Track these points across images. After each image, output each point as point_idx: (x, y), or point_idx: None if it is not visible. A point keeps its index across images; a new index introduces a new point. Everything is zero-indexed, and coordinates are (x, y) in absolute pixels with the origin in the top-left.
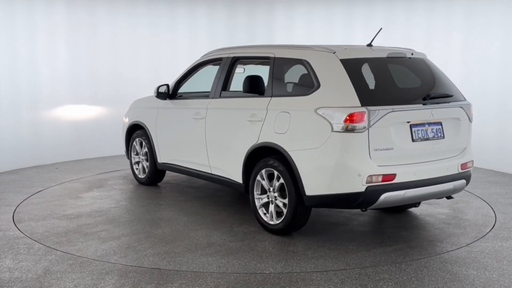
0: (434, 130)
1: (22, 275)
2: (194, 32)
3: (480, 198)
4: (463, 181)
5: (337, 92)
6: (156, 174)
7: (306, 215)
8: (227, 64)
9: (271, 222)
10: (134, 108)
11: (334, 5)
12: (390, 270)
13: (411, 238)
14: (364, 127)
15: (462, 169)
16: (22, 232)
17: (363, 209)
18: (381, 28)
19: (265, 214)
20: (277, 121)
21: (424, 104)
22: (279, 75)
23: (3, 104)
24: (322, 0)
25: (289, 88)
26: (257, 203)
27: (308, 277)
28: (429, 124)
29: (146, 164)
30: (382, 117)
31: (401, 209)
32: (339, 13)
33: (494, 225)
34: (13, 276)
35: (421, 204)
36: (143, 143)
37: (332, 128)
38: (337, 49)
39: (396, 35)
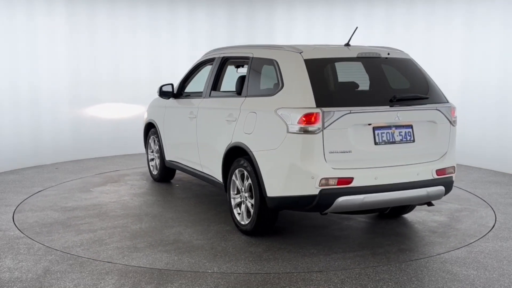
0: (403, 134)
1: (22, 275)
2: (194, 32)
3: (480, 198)
4: (441, 187)
5: (296, 93)
6: (165, 171)
7: (272, 217)
8: (218, 64)
9: (242, 222)
10: (150, 107)
11: (334, 5)
12: (390, 270)
13: (407, 239)
14: (318, 129)
15: (438, 175)
16: (22, 232)
17: (322, 213)
18: (356, 27)
19: (239, 214)
20: (246, 121)
21: (391, 106)
22: (255, 75)
23: (3, 104)
24: (322, 0)
25: (262, 88)
26: (233, 203)
27: (308, 277)
28: (397, 127)
29: (158, 161)
30: (338, 118)
31: (393, 215)
32: (339, 13)
33: (494, 225)
34: (13, 276)
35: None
36: (155, 141)
37: (287, 129)
38: (305, 49)
39: (396, 36)
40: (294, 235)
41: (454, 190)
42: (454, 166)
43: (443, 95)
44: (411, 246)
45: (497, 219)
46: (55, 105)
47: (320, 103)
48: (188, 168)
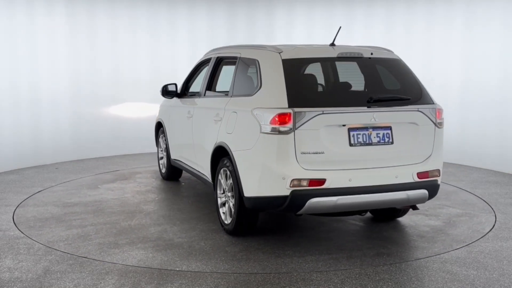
0: (380, 135)
1: (22, 275)
2: (194, 32)
3: (480, 198)
4: (423, 191)
5: (271, 93)
6: (172, 169)
7: (252, 217)
8: (213, 64)
9: (226, 222)
10: (160, 106)
11: (334, 5)
12: (390, 270)
13: (390, 244)
14: (290, 129)
15: (420, 178)
16: (22, 232)
17: (296, 214)
18: (340, 27)
19: (223, 213)
20: (228, 121)
21: (368, 107)
22: (240, 75)
23: (3, 104)
24: (322, 0)
25: (245, 88)
26: (219, 202)
27: (308, 277)
28: (374, 128)
29: (166, 160)
30: (310, 119)
31: (387, 218)
32: (339, 13)
33: (494, 225)
34: (13, 276)
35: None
36: (164, 140)
37: (260, 129)
38: (286, 49)
39: (396, 36)
40: (275, 235)
41: (458, 193)
42: (439, 169)
43: (429, 96)
44: (391, 250)
45: (497, 219)
46: (55, 105)
47: (292, 103)
48: (188, 167)
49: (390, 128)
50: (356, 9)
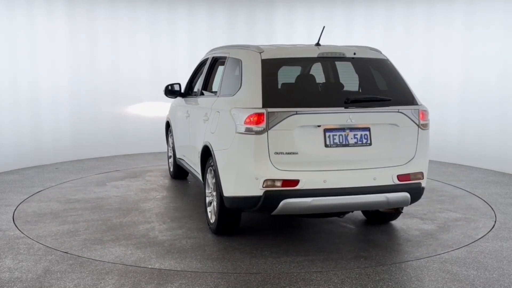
0: (358, 136)
1: (22, 275)
2: (194, 33)
3: (480, 198)
4: (404, 194)
5: (248, 93)
6: (178, 168)
7: (233, 217)
8: (209, 64)
9: (211, 221)
10: (170, 106)
11: (334, 5)
12: (390, 270)
13: (373, 247)
14: (263, 129)
15: (400, 181)
16: (22, 232)
17: (272, 215)
18: (324, 27)
19: (210, 212)
20: (213, 121)
21: (346, 108)
22: (227, 75)
23: (3, 104)
24: (322, 0)
25: (230, 87)
26: (207, 201)
27: (308, 277)
28: (351, 129)
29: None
30: (284, 119)
31: (379, 221)
32: (339, 13)
33: (494, 225)
34: (13, 276)
35: (418, 216)
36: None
37: (236, 129)
38: (268, 49)
39: (396, 36)
40: (258, 236)
41: (464, 197)
42: (422, 172)
43: (413, 97)
44: (371, 254)
45: (497, 219)
46: (55, 105)
47: (267, 103)
48: (188, 166)
49: (368, 129)
50: (356, 9)
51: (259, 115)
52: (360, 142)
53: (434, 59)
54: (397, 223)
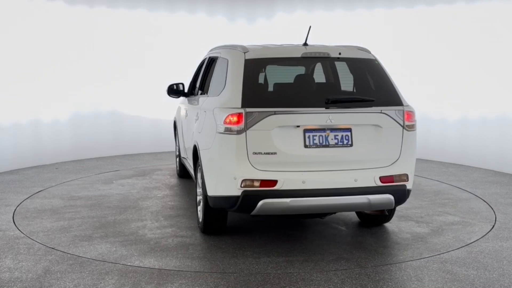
0: (339, 137)
1: (22, 275)
2: (194, 32)
3: (480, 198)
4: (387, 196)
5: (230, 93)
6: (182, 167)
7: (217, 216)
8: (205, 64)
9: (200, 220)
10: (178, 106)
11: (334, 5)
12: (390, 270)
13: (356, 249)
14: (241, 129)
15: (383, 183)
16: (22, 232)
17: (251, 215)
18: (310, 26)
19: (199, 211)
20: (199, 121)
21: (327, 108)
22: (216, 75)
23: (3, 104)
24: (323, 0)
25: (217, 87)
26: (197, 200)
27: (308, 277)
28: (332, 130)
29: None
30: (262, 119)
31: (372, 224)
32: (339, 13)
33: (494, 225)
34: (13, 276)
35: (413, 219)
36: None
37: (217, 129)
38: (253, 49)
39: (396, 35)
40: (245, 235)
41: (469, 201)
42: (406, 174)
43: (399, 97)
44: (353, 256)
45: (497, 219)
46: (55, 105)
47: (246, 103)
48: (187, 165)
49: (350, 130)
50: (356, 8)
51: (237, 115)
52: (341, 143)
53: (434, 59)
54: (390, 225)
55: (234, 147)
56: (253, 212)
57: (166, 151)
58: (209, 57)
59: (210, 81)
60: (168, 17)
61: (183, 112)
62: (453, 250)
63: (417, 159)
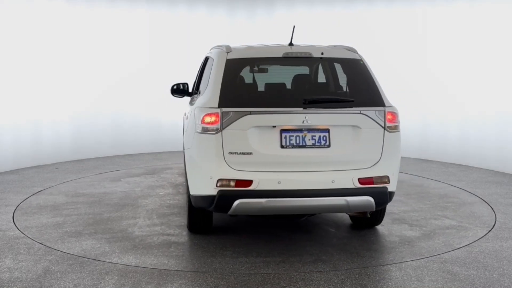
0: (316, 138)
1: (22, 275)
2: (194, 32)
3: (480, 198)
4: (366, 198)
5: (210, 92)
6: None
7: (201, 215)
8: (203, 64)
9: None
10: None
11: (334, 5)
12: (390, 270)
13: (338, 251)
14: (217, 129)
15: (362, 184)
16: (22, 232)
17: (229, 215)
18: (294, 26)
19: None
20: (188, 120)
21: (304, 109)
22: (206, 74)
23: (3, 104)
24: (323, 0)
25: (203, 87)
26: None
27: (308, 277)
28: (310, 130)
29: None
30: (238, 119)
31: (364, 226)
32: (339, 13)
33: (494, 225)
34: (13, 276)
35: (407, 222)
36: None
37: (195, 129)
38: (236, 49)
39: (396, 35)
40: (230, 235)
41: (473, 205)
42: (388, 176)
43: (381, 98)
44: (333, 258)
45: (497, 219)
46: (55, 105)
47: (222, 103)
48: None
49: (327, 130)
50: (356, 8)
51: (214, 114)
52: (318, 144)
53: (434, 59)
54: (382, 228)
55: (210, 146)
56: (229, 212)
57: (166, 151)
58: (205, 57)
59: (202, 80)
60: (168, 17)
61: (185, 112)
62: (453, 250)
63: (417, 159)
